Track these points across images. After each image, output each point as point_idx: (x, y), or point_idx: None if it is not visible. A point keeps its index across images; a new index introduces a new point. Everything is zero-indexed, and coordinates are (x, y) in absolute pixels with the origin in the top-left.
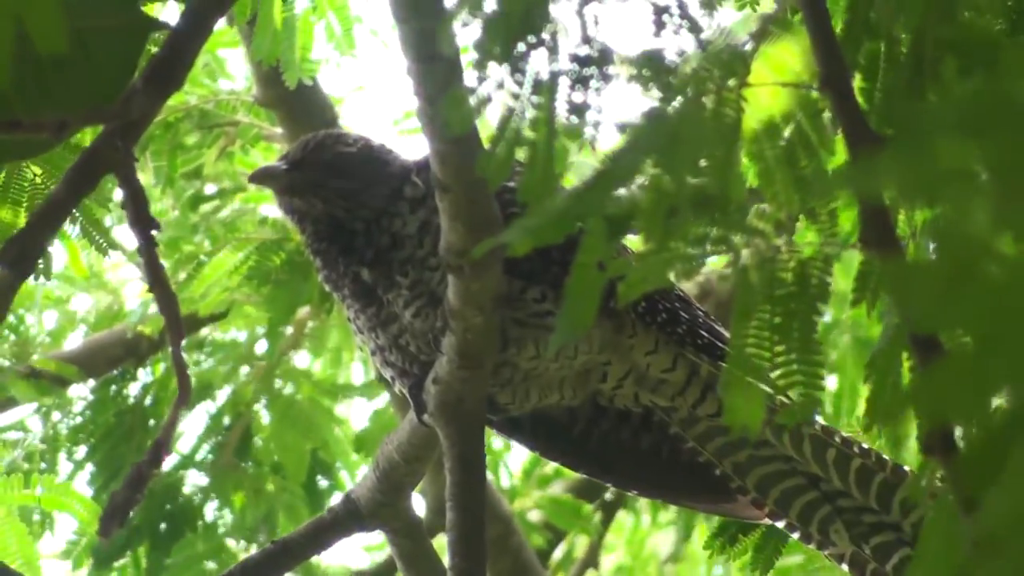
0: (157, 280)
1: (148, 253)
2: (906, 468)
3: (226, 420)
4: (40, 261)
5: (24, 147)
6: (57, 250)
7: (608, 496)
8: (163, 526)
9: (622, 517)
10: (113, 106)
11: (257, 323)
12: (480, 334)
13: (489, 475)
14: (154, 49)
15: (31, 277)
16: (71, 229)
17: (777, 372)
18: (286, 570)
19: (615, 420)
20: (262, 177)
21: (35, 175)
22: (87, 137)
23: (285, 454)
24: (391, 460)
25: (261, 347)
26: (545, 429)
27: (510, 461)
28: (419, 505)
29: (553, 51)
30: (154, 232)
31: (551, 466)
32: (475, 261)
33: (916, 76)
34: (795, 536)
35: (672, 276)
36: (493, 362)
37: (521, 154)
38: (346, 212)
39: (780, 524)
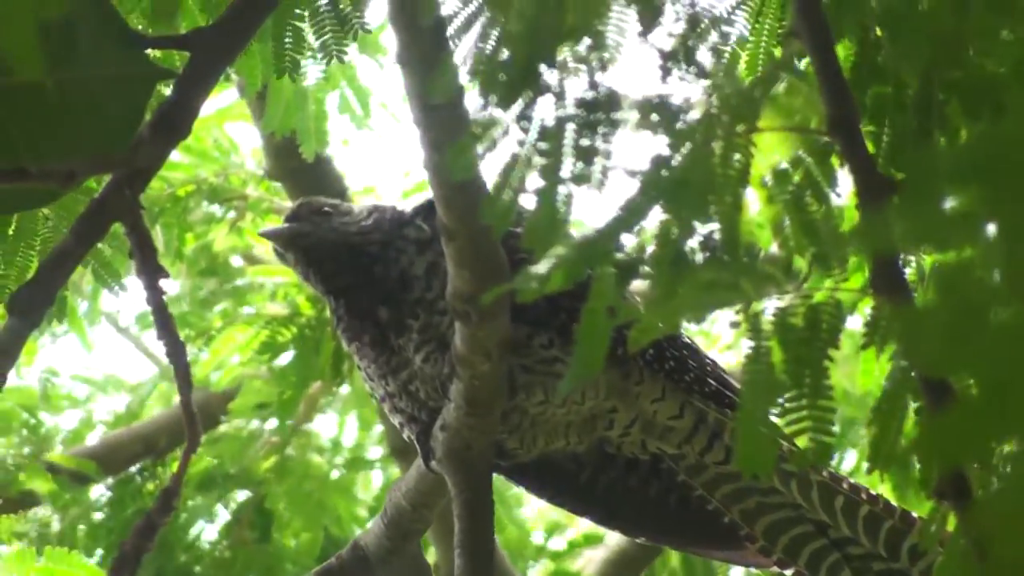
0: (165, 328)
1: (156, 301)
2: (915, 515)
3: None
4: (54, 307)
5: (32, 196)
6: (73, 344)
7: None
8: None
9: None
10: (120, 155)
11: (267, 399)
12: (487, 381)
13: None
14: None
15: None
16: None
17: (788, 418)
18: None
19: (623, 467)
20: (271, 235)
21: (47, 218)
22: (97, 184)
23: (297, 532)
24: (399, 507)
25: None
26: (552, 475)
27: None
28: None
29: (560, 97)
30: (162, 281)
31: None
32: (482, 308)
33: (924, 120)
34: None
35: (683, 323)
36: (501, 408)
37: (525, 200)
38: (359, 236)
39: (788, 572)
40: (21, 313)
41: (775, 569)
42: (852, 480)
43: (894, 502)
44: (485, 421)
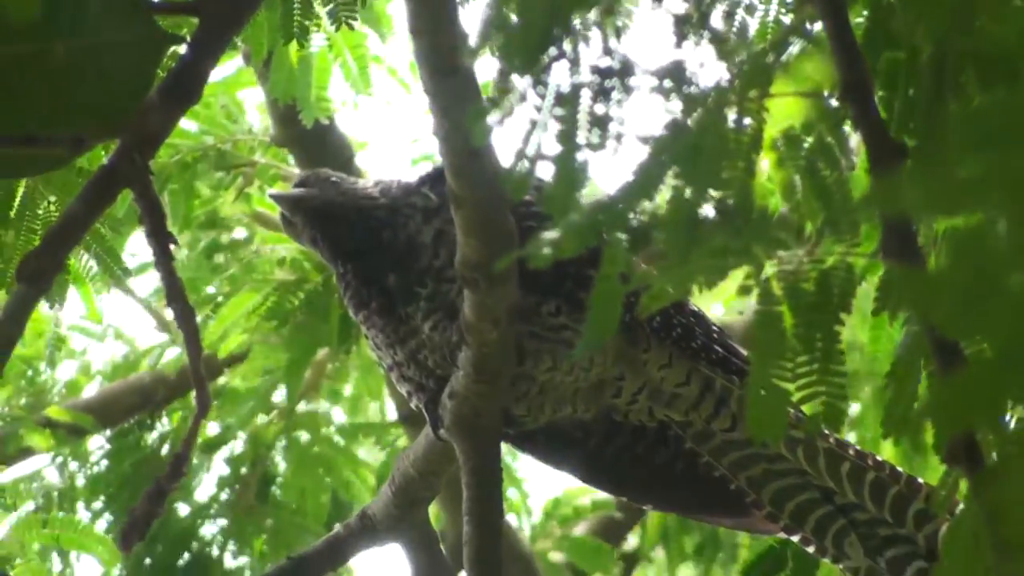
0: (175, 294)
1: (165, 267)
2: (920, 480)
3: (243, 469)
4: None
5: (40, 163)
6: (73, 300)
7: (629, 547)
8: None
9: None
10: (129, 121)
11: (276, 365)
12: (496, 348)
13: (510, 517)
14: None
15: (53, 305)
16: (86, 260)
17: (799, 383)
18: None
19: (630, 435)
20: (279, 197)
21: (49, 203)
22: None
23: (304, 498)
24: (407, 475)
25: (279, 392)
26: (559, 443)
27: (531, 502)
28: None
29: (574, 63)
30: (172, 246)
31: (571, 507)
32: (491, 274)
33: (938, 87)
34: (810, 550)
35: (695, 289)
36: (510, 376)
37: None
38: (367, 200)
39: (795, 538)
40: (29, 280)
41: (782, 535)
42: (858, 447)
43: (900, 468)
44: (493, 388)
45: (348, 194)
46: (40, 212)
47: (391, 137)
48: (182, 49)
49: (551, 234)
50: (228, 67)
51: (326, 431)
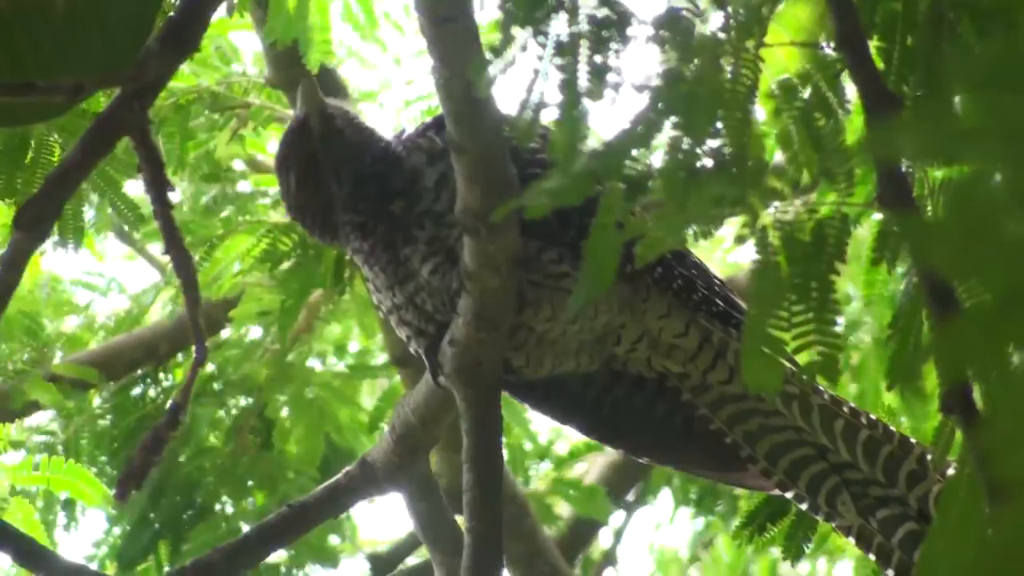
0: (173, 242)
1: (164, 215)
2: (913, 441)
3: (241, 407)
4: (71, 236)
5: (39, 110)
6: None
7: (630, 497)
8: (185, 526)
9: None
10: (128, 68)
11: (269, 307)
12: (497, 296)
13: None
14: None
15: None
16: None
17: (795, 331)
18: (302, 533)
19: (629, 387)
20: (311, 94)
21: (63, 151)
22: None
23: (299, 440)
24: (407, 423)
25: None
26: (558, 393)
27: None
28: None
29: (572, 14)
30: (170, 194)
31: (565, 450)
32: (492, 223)
33: (935, 37)
34: (803, 507)
35: (691, 236)
36: (509, 323)
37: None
38: (379, 138)
39: (788, 495)
40: (28, 227)
41: (776, 492)
42: (853, 404)
43: (894, 428)
44: (494, 336)
45: (365, 128)
46: (54, 159)
47: (386, 78)
48: None
49: (549, 183)
50: (221, 8)
51: (320, 373)
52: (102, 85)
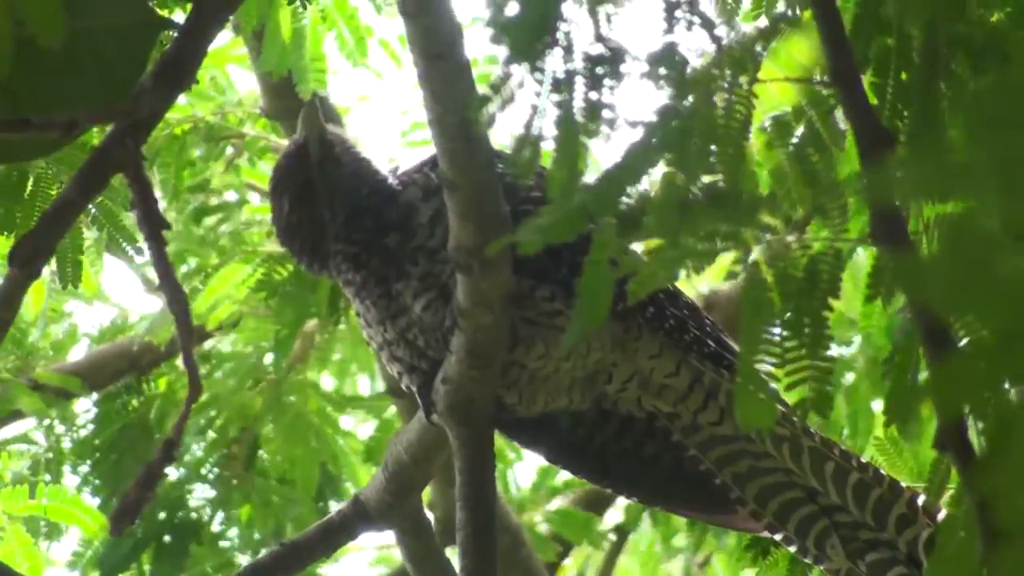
0: (166, 278)
1: (157, 251)
2: (903, 485)
3: (232, 433)
4: (70, 269)
5: (34, 146)
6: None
7: (620, 520)
8: (168, 538)
9: (635, 539)
10: (123, 105)
11: (264, 336)
12: (490, 333)
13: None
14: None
15: (68, 285)
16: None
17: (788, 368)
18: (295, 572)
19: (618, 426)
20: (312, 118)
21: (62, 184)
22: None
23: (293, 467)
24: (400, 460)
25: (268, 360)
26: (549, 432)
27: (519, 474)
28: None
29: (568, 50)
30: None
31: (560, 479)
32: (485, 260)
33: (930, 73)
34: (792, 549)
35: (683, 273)
36: (502, 361)
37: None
38: (378, 171)
39: (777, 537)
40: (23, 263)
41: (765, 534)
42: (843, 447)
43: (884, 471)
44: (487, 373)
45: (363, 159)
46: (52, 193)
47: (381, 109)
48: (175, 33)
49: (542, 219)
50: (217, 38)
51: (315, 401)
52: (96, 121)
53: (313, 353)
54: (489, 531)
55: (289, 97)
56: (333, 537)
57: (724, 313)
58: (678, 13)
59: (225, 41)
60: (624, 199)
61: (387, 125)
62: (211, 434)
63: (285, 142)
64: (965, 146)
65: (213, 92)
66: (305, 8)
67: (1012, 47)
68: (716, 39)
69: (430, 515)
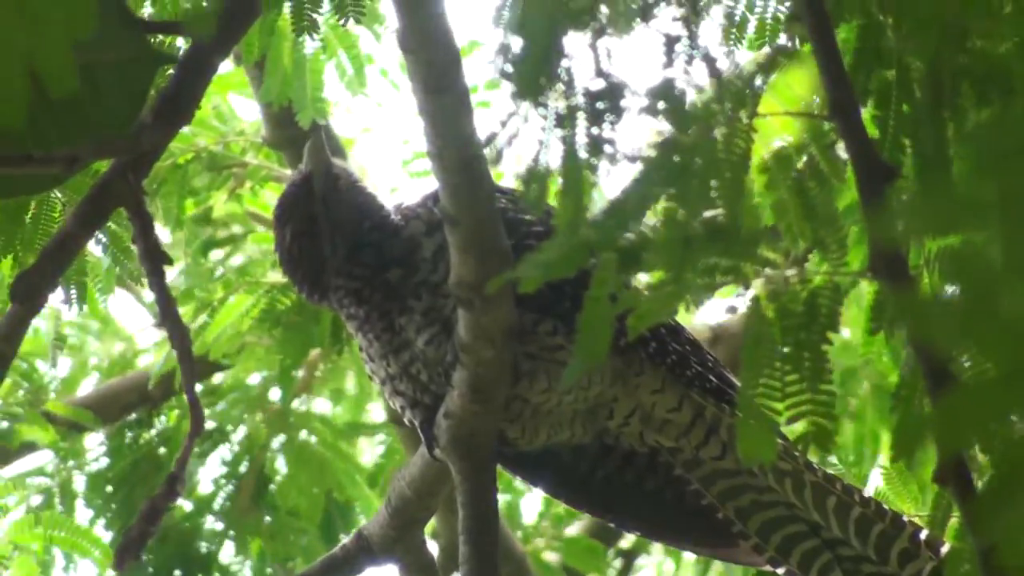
0: (168, 313)
1: (159, 286)
2: (905, 519)
3: (242, 466)
4: (75, 290)
5: (35, 182)
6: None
7: (625, 544)
8: (178, 573)
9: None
10: (123, 140)
11: (268, 367)
12: (491, 368)
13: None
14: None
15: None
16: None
17: (788, 401)
18: None
19: (620, 461)
20: (318, 151)
21: (64, 204)
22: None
23: (300, 497)
24: (403, 495)
25: (274, 393)
26: (550, 466)
27: (526, 502)
28: (432, 548)
29: (569, 86)
30: (165, 266)
31: (565, 507)
32: (486, 295)
33: (933, 105)
34: None
35: (682, 307)
36: (504, 396)
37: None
38: (381, 208)
39: (780, 571)
40: (23, 299)
41: (768, 568)
42: (845, 482)
43: (886, 505)
44: (489, 408)
45: (367, 194)
46: (57, 216)
47: (383, 138)
48: (174, 68)
49: (542, 255)
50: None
51: (320, 430)
52: (97, 156)
53: (316, 382)
54: (493, 564)
55: (291, 127)
56: (336, 572)
57: (729, 346)
58: (678, 47)
59: (228, 70)
60: (625, 234)
61: (389, 154)
62: (220, 466)
63: (287, 171)
64: (970, 180)
65: (215, 121)
66: (312, 38)
67: (1017, 79)
68: (716, 73)
69: (434, 545)
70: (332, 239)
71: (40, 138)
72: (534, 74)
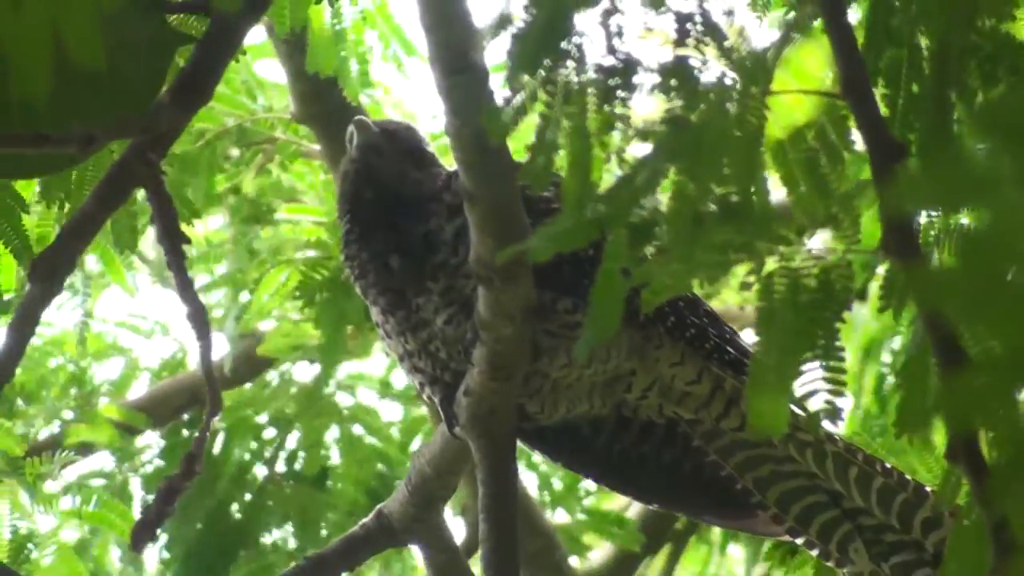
0: (186, 293)
1: (177, 266)
2: (928, 488)
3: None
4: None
5: (51, 162)
6: (117, 293)
7: (679, 525)
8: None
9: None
10: (141, 120)
11: (300, 339)
12: (511, 345)
13: (530, 490)
14: (182, 62)
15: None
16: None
17: (800, 379)
18: None
19: (638, 433)
20: (363, 123)
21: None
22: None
23: (339, 472)
24: (423, 474)
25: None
26: (569, 441)
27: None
28: (458, 527)
29: (580, 62)
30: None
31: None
32: (505, 272)
33: (942, 83)
34: (814, 553)
35: (696, 284)
36: (523, 372)
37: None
38: (411, 196)
39: (799, 541)
40: (43, 279)
41: (787, 538)
42: (868, 453)
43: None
44: (508, 385)
45: (406, 181)
46: None
47: (409, 113)
48: (194, 48)
49: (553, 227)
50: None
51: (354, 404)
52: (114, 136)
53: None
54: (512, 542)
55: (318, 102)
56: (357, 550)
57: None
58: (689, 25)
59: (260, 39)
60: (636, 210)
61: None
62: (252, 443)
63: (316, 147)
64: (986, 156)
65: (244, 97)
66: (332, 4)
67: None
68: (727, 52)
69: (461, 522)
70: (342, 215)
71: (57, 118)
72: (537, 50)
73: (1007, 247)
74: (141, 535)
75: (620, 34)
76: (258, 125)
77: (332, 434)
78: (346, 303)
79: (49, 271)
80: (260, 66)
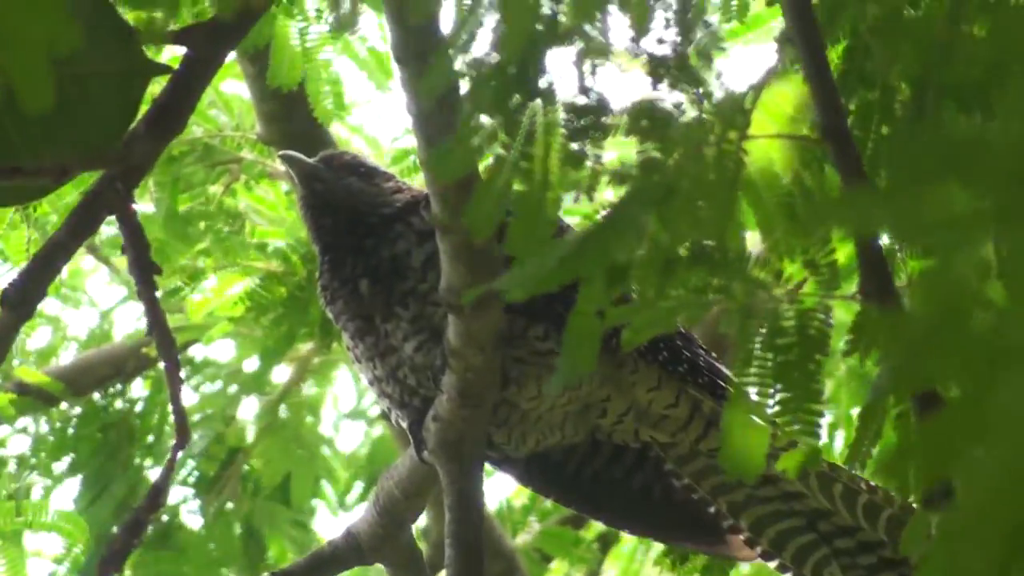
0: (157, 324)
1: (148, 297)
2: (916, 506)
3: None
4: None
5: (24, 192)
6: None
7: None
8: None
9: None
10: (114, 151)
11: (256, 350)
12: (481, 373)
13: (491, 512)
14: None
15: None
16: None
17: (778, 418)
18: None
19: (608, 458)
20: (293, 158)
21: None
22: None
23: (280, 480)
24: (391, 495)
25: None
26: (539, 465)
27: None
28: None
29: (549, 101)
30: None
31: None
32: (476, 301)
33: (916, 120)
34: None
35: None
36: (493, 401)
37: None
38: (367, 207)
39: (772, 564)
40: (13, 307)
41: (759, 560)
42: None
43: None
44: (478, 412)
45: (354, 192)
46: None
47: (373, 132)
48: (168, 79)
49: (525, 270)
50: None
51: (309, 421)
52: (88, 167)
53: (309, 375)
54: (479, 567)
55: (284, 122)
56: (324, 568)
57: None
58: (663, 68)
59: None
60: (610, 255)
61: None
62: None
63: (282, 167)
64: (941, 192)
65: (213, 111)
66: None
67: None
68: (702, 97)
69: (422, 544)
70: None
71: (31, 148)
72: (506, 92)
73: (957, 286)
74: (108, 567)
75: (594, 73)
76: (225, 144)
77: None
78: (301, 318)
79: (20, 298)
80: (227, 86)
